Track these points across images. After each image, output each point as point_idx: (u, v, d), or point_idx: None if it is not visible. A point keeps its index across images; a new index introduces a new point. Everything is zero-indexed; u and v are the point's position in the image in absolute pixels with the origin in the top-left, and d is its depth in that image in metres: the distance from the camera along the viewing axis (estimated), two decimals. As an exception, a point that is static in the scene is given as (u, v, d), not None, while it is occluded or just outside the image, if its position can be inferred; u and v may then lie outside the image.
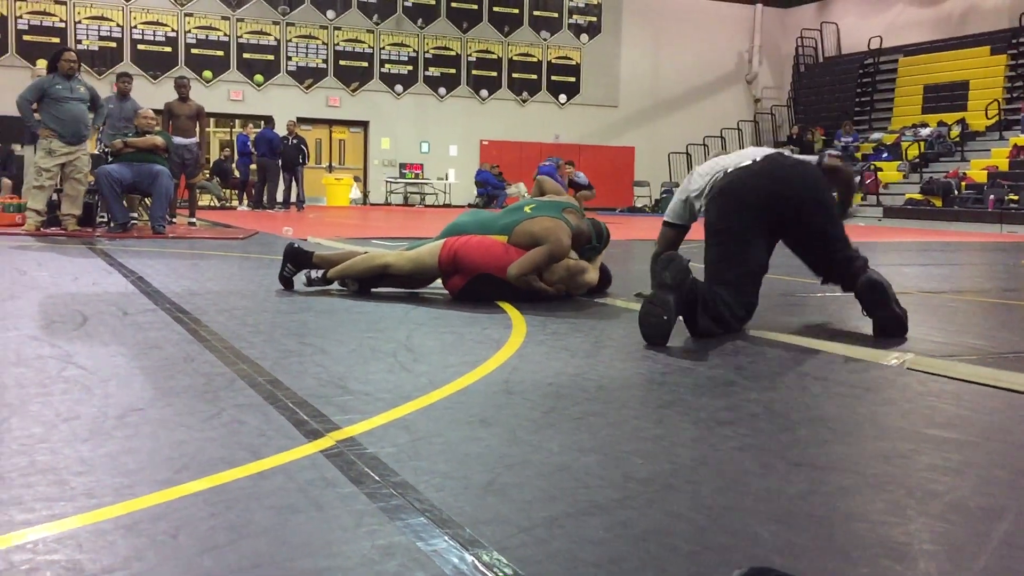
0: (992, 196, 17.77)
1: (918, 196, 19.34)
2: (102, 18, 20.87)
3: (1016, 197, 17.56)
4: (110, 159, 9.19)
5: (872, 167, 20.98)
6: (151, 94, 17.96)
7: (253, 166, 18.48)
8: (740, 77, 27.31)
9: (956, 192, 18.77)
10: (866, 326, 3.91)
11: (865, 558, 1.51)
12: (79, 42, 20.50)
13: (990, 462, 2.09)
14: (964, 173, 19.40)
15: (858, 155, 22.66)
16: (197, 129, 11.19)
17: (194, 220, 11.20)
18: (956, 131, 21.18)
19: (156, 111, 10.01)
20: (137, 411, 2.28)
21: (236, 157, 19.67)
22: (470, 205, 22.95)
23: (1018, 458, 2.13)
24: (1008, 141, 19.91)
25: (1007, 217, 17.08)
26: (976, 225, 16.96)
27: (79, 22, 20.71)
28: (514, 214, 4.69)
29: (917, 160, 20.79)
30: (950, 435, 2.28)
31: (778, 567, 1.42)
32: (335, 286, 4.82)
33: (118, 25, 20.95)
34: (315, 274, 4.80)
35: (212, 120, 20.72)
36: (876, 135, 23.32)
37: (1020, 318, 4.80)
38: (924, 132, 21.64)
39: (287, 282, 4.86)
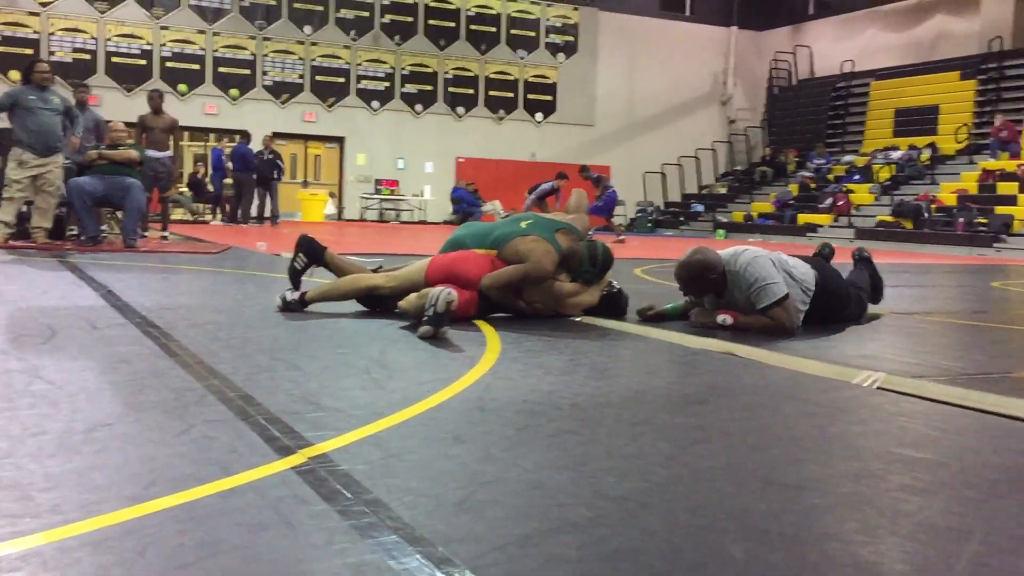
0: (961, 219, 18.01)
1: (889, 218, 19.56)
2: (76, 30, 20.74)
3: (985, 220, 17.81)
4: (76, 171, 9.11)
5: (844, 189, 21.21)
6: (125, 107, 17.85)
7: (228, 180, 18.38)
8: (715, 98, 27.56)
9: (926, 215, 19.00)
10: (839, 346, 3.94)
11: (837, 577, 1.51)
12: (52, 54, 20.34)
13: (960, 482, 2.10)
14: (934, 196, 19.66)
15: (830, 177, 22.91)
16: (171, 142, 11.12)
17: (166, 234, 11.11)
18: (926, 154, 21.47)
19: (130, 124, 9.94)
20: (105, 426, 2.25)
21: (210, 171, 19.57)
22: (445, 222, 22.96)
23: (987, 478, 2.14)
24: (977, 165, 20.21)
25: (976, 240, 17.31)
26: (946, 247, 17.18)
27: (53, 34, 20.56)
28: (510, 226, 4.68)
29: (888, 183, 21.05)
30: (921, 455, 2.30)
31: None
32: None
33: (92, 37, 20.82)
34: (291, 296, 4.56)
35: (186, 134, 20.61)
36: (848, 157, 23.59)
37: (989, 339, 4.85)
38: (895, 155, 21.92)
39: (296, 275, 4.69)
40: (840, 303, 4.64)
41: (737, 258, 4.34)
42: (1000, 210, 17.98)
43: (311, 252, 4.72)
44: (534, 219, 4.76)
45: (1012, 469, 2.24)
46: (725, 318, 4.35)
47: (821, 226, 20.72)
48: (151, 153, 10.68)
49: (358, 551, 1.52)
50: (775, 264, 4.34)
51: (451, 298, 3.81)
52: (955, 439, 2.54)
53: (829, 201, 21.20)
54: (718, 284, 4.37)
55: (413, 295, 4.31)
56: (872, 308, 5.06)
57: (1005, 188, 18.77)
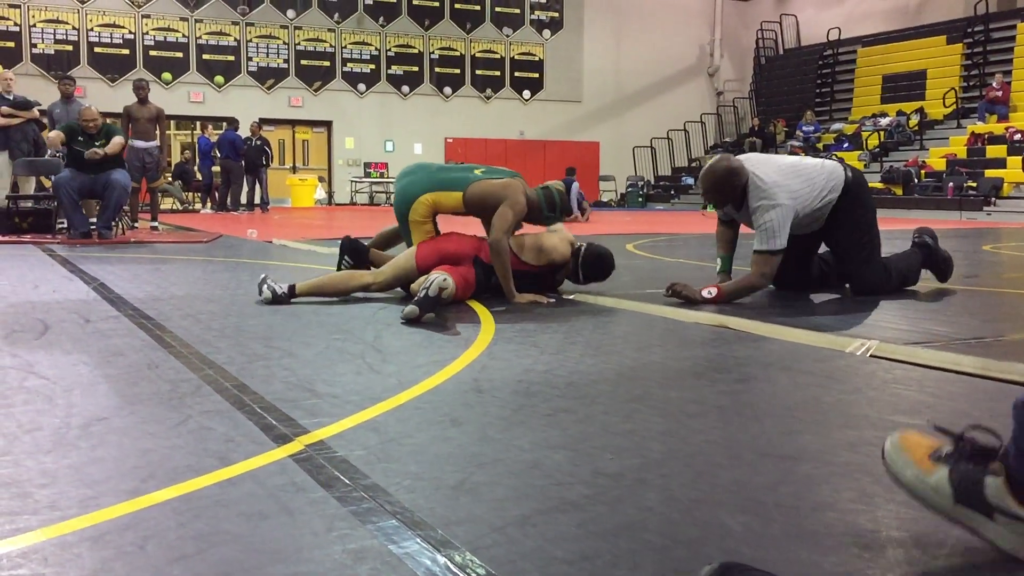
0: (951, 183, 18.05)
1: (879, 185, 19.57)
2: (57, 21, 20.57)
3: (974, 184, 17.84)
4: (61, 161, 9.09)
5: (834, 157, 21.20)
6: (110, 97, 17.76)
7: (216, 168, 18.32)
8: (702, 70, 27.48)
9: (916, 180, 19.03)
10: (831, 315, 3.95)
11: (834, 547, 1.52)
12: (34, 46, 20.19)
13: (954, 447, 2.11)
14: (923, 161, 19.67)
15: (820, 145, 22.90)
16: (157, 132, 11.06)
17: (156, 224, 11.08)
18: (915, 120, 21.47)
19: (115, 115, 9.89)
20: (101, 420, 2.25)
21: (198, 160, 19.49)
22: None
23: (981, 442, 2.16)
24: (966, 129, 20.22)
25: (966, 204, 17.35)
26: (936, 212, 17.22)
27: (34, 26, 20.40)
28: (463, 171, 4.74)
29: (877, 149, 21.05)
30: (915, 421, 2.31)
31: (748, 559, 1.43)
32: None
33: (74, 28, 20.67)
34: (281, 288, 4.39)
35: (172, 122, 20.49)
36: (837, 125, 23.57)
37: (980, 304, 4.87)
38: (884, 121, 21.91)
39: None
40: (862, 223, 4.64)
41: (767, 185, 4.37)
42: (989, 173, 18.02)
43: (355, 253, 4.77)
44: (485, 168, 4.84)
45: (1007, 433, 2.25)
46: (710, 291, 4.37)
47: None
48: (138, 143, 10.65)
49: (358, 537, 1.53)
50: (794, 199, 4.38)
51: (445, 285, 3.82)
52: (949, 404, 2.55)
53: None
54: (740, 192, 4.44)
55: (421, 277, 4.33)
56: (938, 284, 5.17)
57: (994, 151, 18.80)
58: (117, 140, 8.93)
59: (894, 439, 1.58)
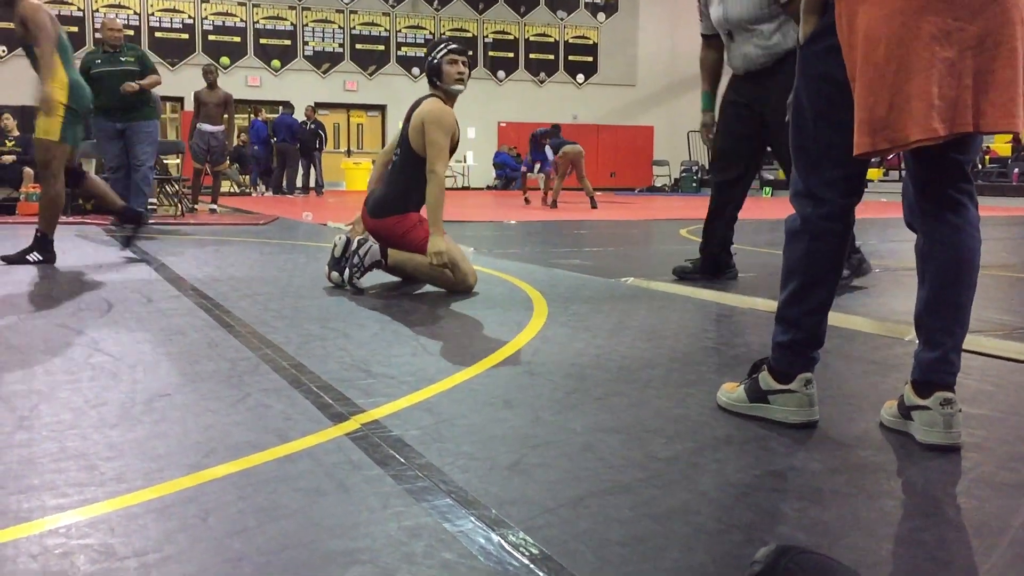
0: (1016, 169, 17.57)
1: (941, 171, 19.13)
2: (119, 6, 20.95)
3: (1041, 170, 17.36)
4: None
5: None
6: (169, 81, 17.99)
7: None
8: (759, 53, 27.05)
9: (980, 166, 18.56)
10: (888, 302, 3.88)
11: (890, 534, 1.51)
12: (96, 30, 20.60)
13: (1016, 437, 2.08)
14: (988, 147, 19.17)
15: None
16: (225, 117, 11.22)
17: (215, 207, 11.28)
18: (979, 104, 20.92)
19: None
20: (164, 396, 2.31)
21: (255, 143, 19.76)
22: (488, 188, 22.95)
23: (1045, 433, 2.11)
24: (1033, 113, 19.65)
25: (1032, 190, 16.89)
26: (1000, 199, 16.78)
27: (96, 10, 20.80)
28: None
29: (940, 134, 20.55)
30: (976, 411, 2.27)
31: (804, 544, 1.42)
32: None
33: (135, 12, 21.03)
34: (367, 257, 4.33)
35: (230, 106, 20.77)
36: (898, 109, 23.06)
37: (1046, 292, 4.75)
38: (947, 105, 21.38)
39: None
40: None
41: None
42: (1057, 159, 17.51)
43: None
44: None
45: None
46: None
47: (871, 180, 20.33)
48: (206, 127, 10.86)
49: (413, 514, 1.55)
50: None
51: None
52: (1011, 394, 2.50)
53: (879, 155, 20.77)
54: None
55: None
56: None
57: (1062, 136, 18.25)
58: (154, 77, 8.08)
59: (720, 389, 2.29)
